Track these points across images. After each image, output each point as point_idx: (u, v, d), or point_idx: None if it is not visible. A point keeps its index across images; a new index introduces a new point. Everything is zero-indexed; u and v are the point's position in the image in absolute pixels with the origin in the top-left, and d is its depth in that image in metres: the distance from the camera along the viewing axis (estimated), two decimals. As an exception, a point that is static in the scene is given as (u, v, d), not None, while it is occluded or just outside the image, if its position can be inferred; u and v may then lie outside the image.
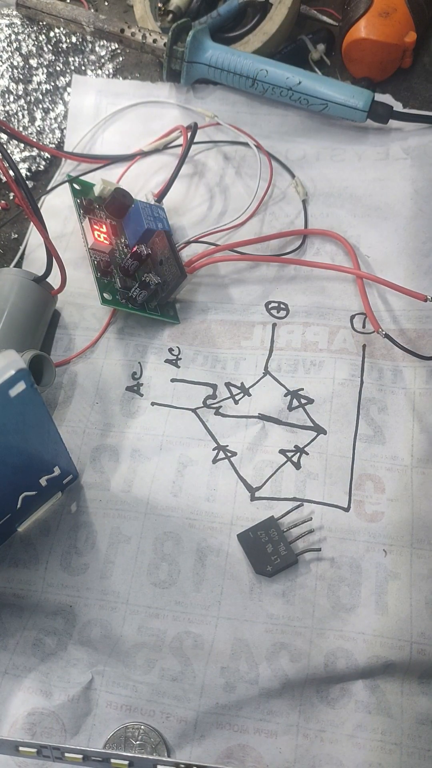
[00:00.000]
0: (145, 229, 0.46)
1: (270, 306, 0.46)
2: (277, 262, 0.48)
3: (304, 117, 0.54)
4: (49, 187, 0.53)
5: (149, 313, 0.46)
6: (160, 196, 0.49)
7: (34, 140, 0.55)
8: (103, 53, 0.59)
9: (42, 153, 0.54)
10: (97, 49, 0.60)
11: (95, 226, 0.46)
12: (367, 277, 0.45)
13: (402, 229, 0.48)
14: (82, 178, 0.50)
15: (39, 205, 0.52)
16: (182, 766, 0.30)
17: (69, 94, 0.57)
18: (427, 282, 0.46)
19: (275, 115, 0.54)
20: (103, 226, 0.47)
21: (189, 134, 0.49)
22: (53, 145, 0.55)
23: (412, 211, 0.49)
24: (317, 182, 0.51)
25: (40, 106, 0.57)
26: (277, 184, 0.51)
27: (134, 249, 0.44)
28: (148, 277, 0.44)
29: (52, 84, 0.58)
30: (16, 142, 0.54)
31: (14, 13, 0.60)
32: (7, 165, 0.40)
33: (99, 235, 0.46)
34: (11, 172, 0.39)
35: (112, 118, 0.56)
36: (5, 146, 0.54)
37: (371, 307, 0.44)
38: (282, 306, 0.46)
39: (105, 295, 0.44)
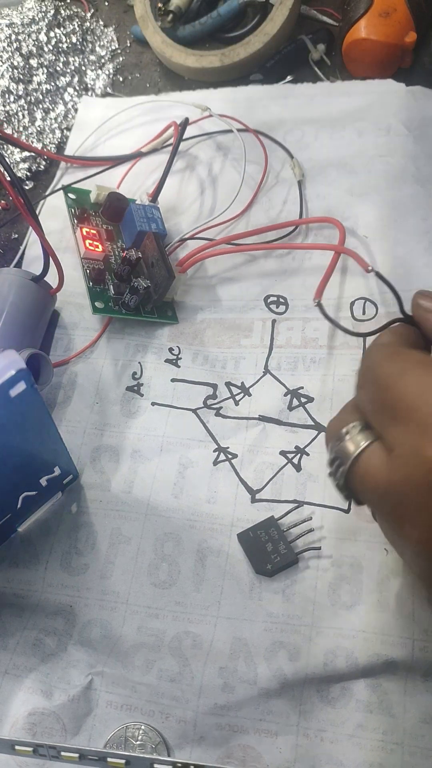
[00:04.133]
0: (137, 231, 0.46)
1: (269, 300, 0.46)
2: (264, 249, 0.47)
3: (303, 104, 0.53)
4: (47, 192, 0.53)
5: (145, 316, 0.46)
6: (154, 195, 0.49)
7: (35, 140, 0.55)
8: (103, 53, 0.59)
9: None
10: (97, 49, 0.60)
11: (87, 235, 0.47)
12: (343, 251, 0.43)
13: (402, 205, 0.47)
14: (77, 186, 0.50)
15: (39, 207, 0.52)
16: (179, 765, 0.30)
17: (69, 94, 0.57)
18: (427, 258, 0.45)
19: (274, 105, 0.53)
20: (96, 234, 0.47)
21: (179, 129, 0.49)
22: (53, 145, 0.55)
23: (412, 188, 0.48)
24: (315, 162, 0.50)
25: (40, 106, 0.57)
26: (275, 169, 0.51)
27: (124, 254, 0.45)
28: (136, 282, 0.44)
29: (52, 84, 0.58)
30: (16, 142, 0.54)
31: (14, 12, 0.60)
32: (2, 168, 0.40)
33: (90, 244, 0.46)
34: (6, 175, 0.40)
35: (115, 128, 0.55)
36: (4, 147, 0.54)
37: (328, 280, 0.42)
38: (281, 300, 0.46)
39: (96, 304, 0.45)
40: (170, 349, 0.46)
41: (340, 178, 0.49)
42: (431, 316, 0.29)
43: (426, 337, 0.30)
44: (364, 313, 0.44)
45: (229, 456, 0.42)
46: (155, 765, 0.30)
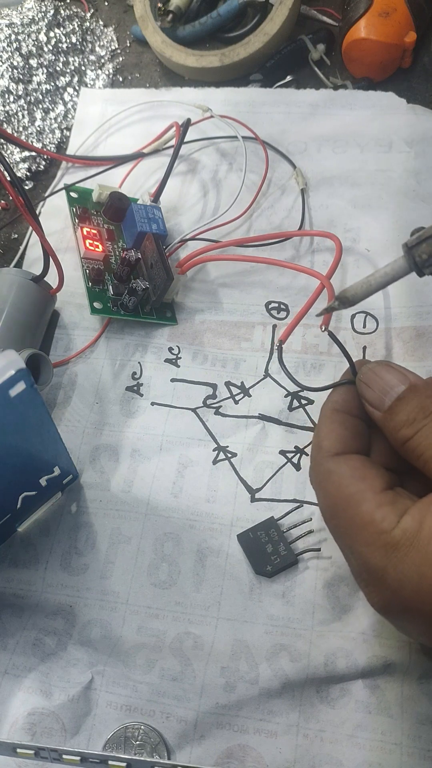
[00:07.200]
0: (138, 231, 0.46)
1: (270, 306, 0.46)
2: (254, 261, 0.47)
3: (306, 114, 0.53)
4: (48, 192, 0.52)
5: (143, 317, 0.46)
6: (156, 195, 0.49)
7: (35, 140, 0.55)
8: (103, 53, 0.59)
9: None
10: (97, 49, 0.60)
11: (87, 235, 0.47)
12: (328, 286, 0.40)
13: (403, 220, 0.47)
14: (80, 185, 0.50)
15: (39, 207, 0.52)
16: (180, 767, 0.31)
17: (69, 94, 0.57)
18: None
19: (277, 113, 0.54)
20: (97, 234, 0.47)
21: (181, 131, 0.49)
22: (53, 145, 0.55)
23: (414, 203, 0.48)
24: (318, 173, 0.51)
25: (40, 106, 0.57)
26: (278, 176, 0.51)
27: (123, 255, 0.44)
28: (135, 283, 0.44)
29: (52, 84, 0.58)
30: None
31: (14, 12, 0.60)
32: (2, 168, 0.40)
33: (90, 244, 0.46)
34: (6, 174, 0.40)
35: (116, 125, 0.55)
36: (4, 147, 0.54)
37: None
38: (282, 306, 0.46)
39: (95, 304, 0.45)
40: (170, 349, 0.46)
41: (343, 190, 0.50)
42: (365, 390, 0.32)
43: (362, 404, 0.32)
44: (364, 326, 0.45)
45: (229, 455, 0.42)
46: (156, 767, 0.31)
